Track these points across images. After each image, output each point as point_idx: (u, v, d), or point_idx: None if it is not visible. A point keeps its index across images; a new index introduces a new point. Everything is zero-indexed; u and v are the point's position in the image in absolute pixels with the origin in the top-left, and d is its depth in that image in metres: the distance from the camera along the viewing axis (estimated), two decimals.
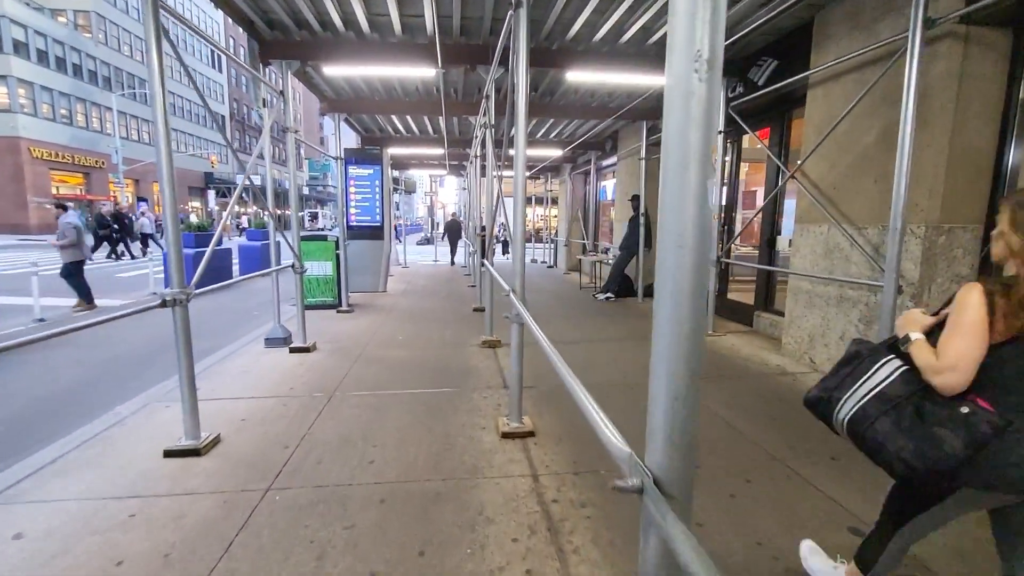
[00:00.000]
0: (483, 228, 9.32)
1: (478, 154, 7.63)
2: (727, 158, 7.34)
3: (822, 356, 4.79)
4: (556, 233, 16.60)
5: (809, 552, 2.09)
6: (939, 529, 1.60)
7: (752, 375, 4.81)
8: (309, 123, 61.28)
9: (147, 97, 37.28)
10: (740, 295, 7.05)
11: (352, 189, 9.88)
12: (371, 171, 9.84)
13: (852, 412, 1.43)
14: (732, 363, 5.21)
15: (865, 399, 1.41)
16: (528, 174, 17.53)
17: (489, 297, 5.95)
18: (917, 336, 1.43)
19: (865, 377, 1.45)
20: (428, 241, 27.43)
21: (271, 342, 5.80)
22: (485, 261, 5.72)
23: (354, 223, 9.98)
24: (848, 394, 1.46)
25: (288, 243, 5.49)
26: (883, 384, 1.40)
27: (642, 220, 8.70)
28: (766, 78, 5.79)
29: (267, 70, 5.38)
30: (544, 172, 16.63)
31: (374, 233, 10.00)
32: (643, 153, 8.60)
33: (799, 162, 5.07)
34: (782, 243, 6.17)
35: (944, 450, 1.25)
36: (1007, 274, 1.36)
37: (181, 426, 3.29)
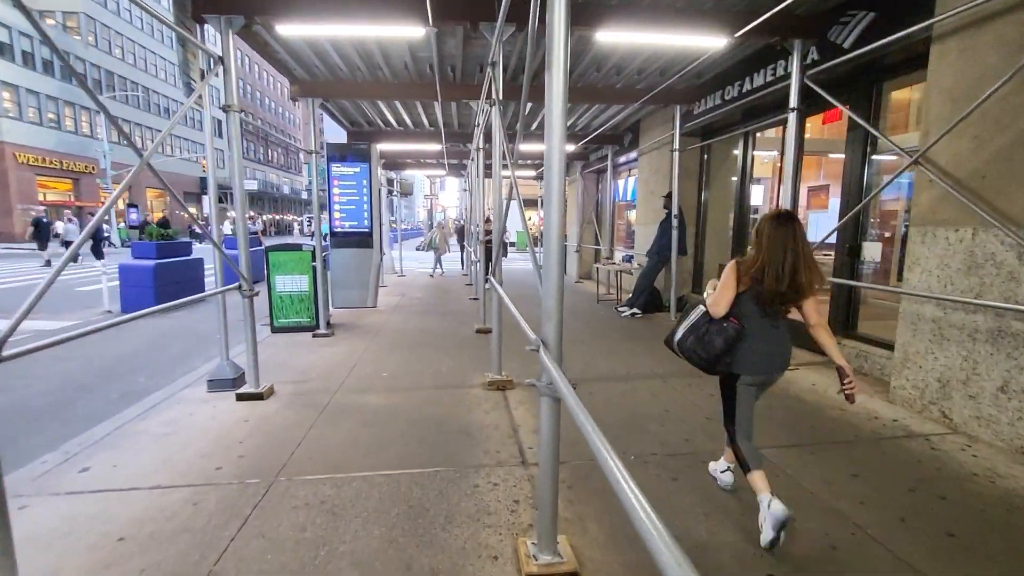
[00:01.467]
0: (487, 234, 8.02)
1: (480, 146, 6.34)
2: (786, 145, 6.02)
3: (965, 412, 3.44)
4: (565, 238, 15.28)
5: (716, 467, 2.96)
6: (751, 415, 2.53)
7: (864, 439, 3.47)
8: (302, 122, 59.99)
9: (139, 100, 36.24)
10: None
11: (336, 190, 8.59)
12: (357, 169, 8.55)
13: (678, 337, 2.58)
14: (826, 416, 3.87)
15: (684, 328, 2.56)
16: (535, 173, 16.24)
17: (496, 318, 4.63)
18: (708, 291, 2.56)
19: (687, 317, 2.59)
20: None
21: (215, 384, 4.48)
22: (491, 279, 4.40)
23: (339, 229, 8.68)
24: (679, 327, 2.60)
25: (221, 252, 4.17)
26: (693, 319, 2.54)
27: (675, 222, 7.37)
28: (855, 37, 4.46)
29: (202, 29, 4.09)
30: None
31: (362, 240, 8.70)
32: (676, 143, 7.27)
33: (923, 145, 3.73)
34: (870, 251, 4.84)
35: (714, 344, 2.42)
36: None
37: None
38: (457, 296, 10.32)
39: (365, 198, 8.65)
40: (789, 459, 3.17)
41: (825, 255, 5.44)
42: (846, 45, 4.53)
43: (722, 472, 2.86)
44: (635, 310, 7.77)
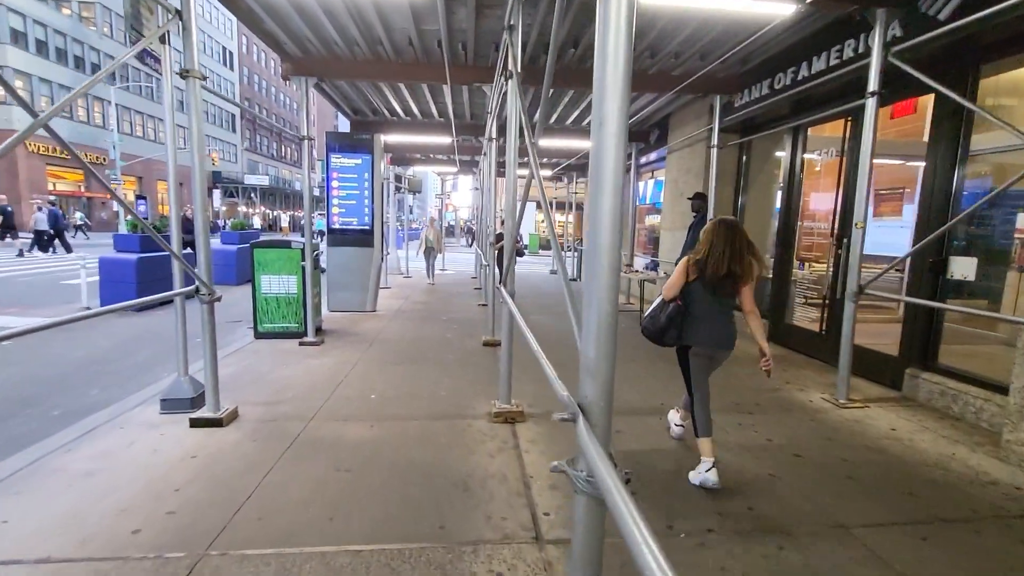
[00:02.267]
0: (499, 236, 7.27)
1: (493, 136, 5.59)
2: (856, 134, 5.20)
3: None
4: (580, 241, 14.49)
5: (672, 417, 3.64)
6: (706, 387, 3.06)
7: (986, 515, 2.65)
8: (323, 122, 59.90)
9: (152, 92, 36.03)
10: (870, 338, 4.88)
11: (335, 183, 7.88)
12: (359, 161, 7.84)
13: (643, 321, 3.12)
14: (923, 476, 3.04)
15: (648, 313, 3.12)
16: (550, 173, 15.47)
17: (506, 336, 3.86)
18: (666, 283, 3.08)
19: (652, 304, 3.15)
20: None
21: (170, 405, 3.76)
22: (502, 288, 3.63)
23: (337, 226, 7.97)
24: (646, 314, 3.15)
25: (170, 250, 3.45)
26: (654, 304, 3.11)
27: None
28: (953, 8, 3.64)
29: None
30: (568, 171, 14.55)
31: (362, 239, 7.99)
32: (715, 139, 6.45)
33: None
34: (961, 267, 4.00)
35: (659, 319, 3.00)
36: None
37: None
38: (464, 302, 9.57)
39: (367, 193, 7.93)
40: (896, 547, 2.36)
41: (895, 272, 4.61)
42: (942, 16, 3.71)
43: (676, 425, 3.58)
44: None
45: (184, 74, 3.32)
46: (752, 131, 6.85)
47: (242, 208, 45.97)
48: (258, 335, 6.16)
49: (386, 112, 8.76)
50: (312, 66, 5.67)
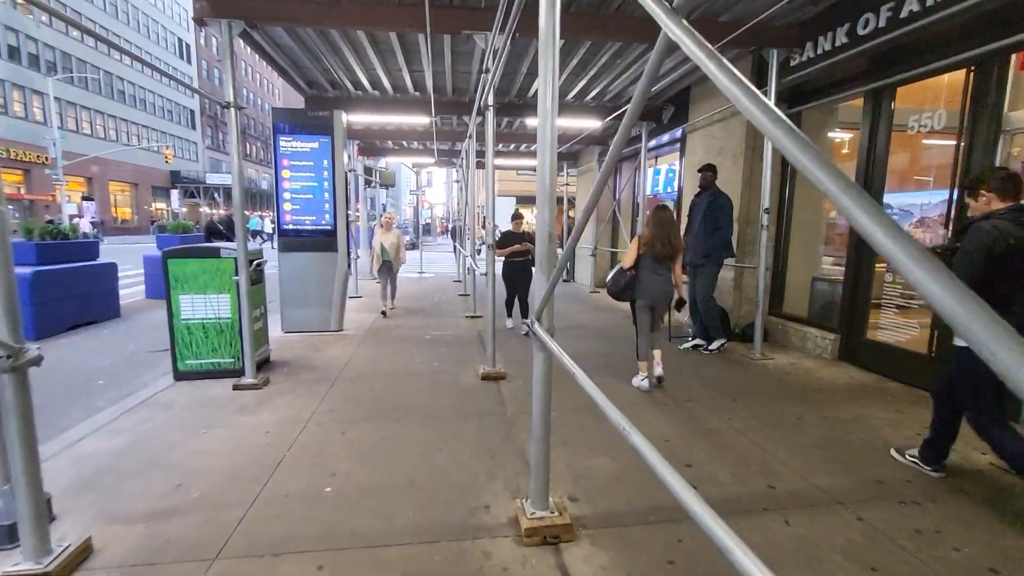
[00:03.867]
0: (505, 236, 5.79)
1: (488, 105, 4.15)
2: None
3: None
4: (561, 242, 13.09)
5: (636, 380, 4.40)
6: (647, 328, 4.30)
7: None
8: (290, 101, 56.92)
9: (100, 84, 33.42)
10: (898, 332, 3.63)
11: (286, 173, 6.30)
12: (315, 145, 6.27)
13: (607, 283, 4.46)
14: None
15: (610, 278, 4.45)
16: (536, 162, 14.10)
17: (539, 402, 2.40)
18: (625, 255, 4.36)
19: (612, 272, 4.51)
20: (413, 246, 23.80)
21: None
22: (536, 327, 2.17)
23: (290, 227, 6.39)
24: (608, 279, 4.48)
25: None
26: (614, 271, 4.46)
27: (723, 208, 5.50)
28: None
29: None
30: (560, 160, 13.10)
31: (322, 242, 6.43)
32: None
33: None
34: None
35: (619, 283, 4.34)
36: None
37: None
38: (449, 312, 8.07)
39: (326, 185, 6.37)
40: None
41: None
42: None
43: (641, 380, 4.35)
44: (722, 341, 5.51)
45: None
46: (805, 98, 5.52)
47: (203, 209, 43.24)
48: (179, 375, 4.58)
49: (349, 85, 7.17)
50: (236, 4, 4.08)
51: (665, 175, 9.21)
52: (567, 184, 13.92)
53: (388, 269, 7.68)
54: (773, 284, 6.08)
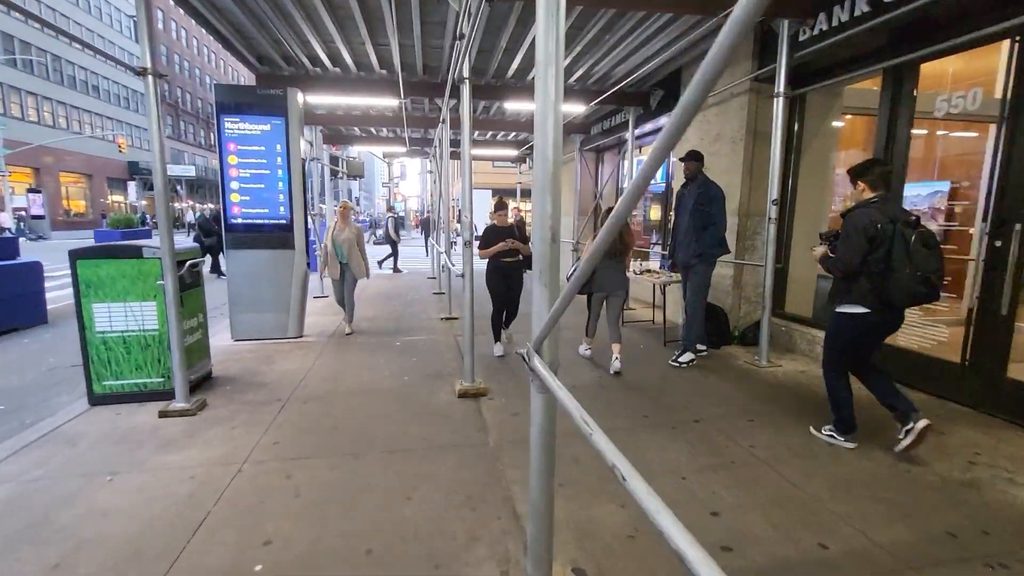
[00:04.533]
0: (490, 230, 5.08)
1: (465, 75, 3.52)
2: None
3: None
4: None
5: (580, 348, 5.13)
6: (598, 317, 4.83)
7: None
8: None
9: (47, 69, 31.37)
10: (923, 337, 3.23)
11: (232, 159, 5.53)
12: (267, 127, 5.52)
13: (567, 279, 4.10)
14: None
15: (569, 275, 4.56)
16: (515, 153, 13.37)
17: (538, 463, 2.02)
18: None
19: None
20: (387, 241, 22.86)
21: None
22: (536, 363, 1.56)
23: (239, 220, 5.63)
24: (568, 275, 5.19)
25: None
26: (572, 264, 7.55)
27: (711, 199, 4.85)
28: None
29: None
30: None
31: (277, 238, 5.70)
32: (781, 83, 4.53)
33: None
34: None
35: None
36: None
37: None
38: (423, 314, 7.40)
39: (280, 173, 5.63)
40: None
41: None
42: None
43: (584, 350, 5.13)
44: (692, 357, 4.90)
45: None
46: (812, 78, 5.02)
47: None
48: (95, 399, 3.83)
49: (306, 61, 6.39)
50: None
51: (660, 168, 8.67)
52: None
53: (343, 277, 6.00)
54: (776, 282, 5.59)
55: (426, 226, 15.34)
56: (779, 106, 4.52)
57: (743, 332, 5.56)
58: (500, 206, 5.18)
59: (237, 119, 5.44)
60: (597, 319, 4.89)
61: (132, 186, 38.29)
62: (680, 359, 4.82)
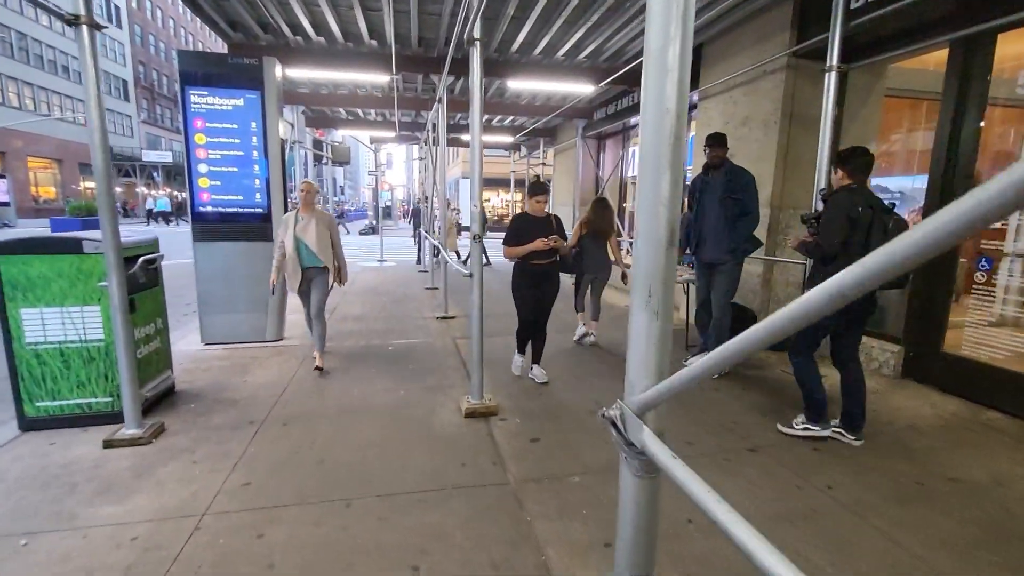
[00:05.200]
0: (518, 223, 4.40)
1: (476, 36, 2.91)
2: None
3: None
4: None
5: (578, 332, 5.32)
6: (585, 294, 5.20)
7: None
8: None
9: (12, 47, 29.78)
10: (994, 347, 2.69)
11: (200, 139, 4.83)
12: (239, 102, 4.83)
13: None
14: None
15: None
16: (510, 140, 12.70)
17: None
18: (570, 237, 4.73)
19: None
20: (373, 230, 22.16)
21: None
22: (647, 433, 0.97)
23: (208, 209, 4.95)
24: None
25: None
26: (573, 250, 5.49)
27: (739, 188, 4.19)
28: None
29: None
30: (536, 136, 11.87)
31: (253, 228, 5.04)
32: (835, 56, 3.96)
33: None
34: None
35: (567, 262, 4.44)
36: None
37: None
38: (416, 312, 6.78)
39: (256, 155, 4.95)
40: None
41: None
42: None
43: (580, 330, 5.31)
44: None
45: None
46: (854, 57, 4.45)
47: (140, 189, 39.66)
48: (27, 424, 3.17)
49: (286, 28, 5.66)
50: None
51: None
52: (542, 164, 12.70)
53: (316, 285, 4.27)
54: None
55: (416, 216, 14.66)
56: (831, 81, 3.96)
57: None
58: (537, 189, 3.99)
59: (205, 92, 4.74)
60: (584, 296, 5.30)
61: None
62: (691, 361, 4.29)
